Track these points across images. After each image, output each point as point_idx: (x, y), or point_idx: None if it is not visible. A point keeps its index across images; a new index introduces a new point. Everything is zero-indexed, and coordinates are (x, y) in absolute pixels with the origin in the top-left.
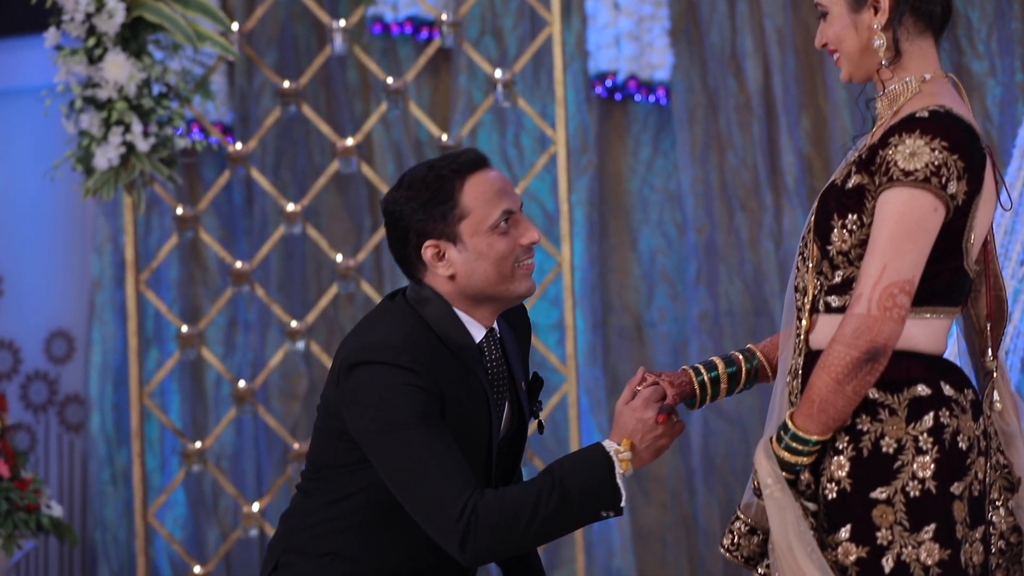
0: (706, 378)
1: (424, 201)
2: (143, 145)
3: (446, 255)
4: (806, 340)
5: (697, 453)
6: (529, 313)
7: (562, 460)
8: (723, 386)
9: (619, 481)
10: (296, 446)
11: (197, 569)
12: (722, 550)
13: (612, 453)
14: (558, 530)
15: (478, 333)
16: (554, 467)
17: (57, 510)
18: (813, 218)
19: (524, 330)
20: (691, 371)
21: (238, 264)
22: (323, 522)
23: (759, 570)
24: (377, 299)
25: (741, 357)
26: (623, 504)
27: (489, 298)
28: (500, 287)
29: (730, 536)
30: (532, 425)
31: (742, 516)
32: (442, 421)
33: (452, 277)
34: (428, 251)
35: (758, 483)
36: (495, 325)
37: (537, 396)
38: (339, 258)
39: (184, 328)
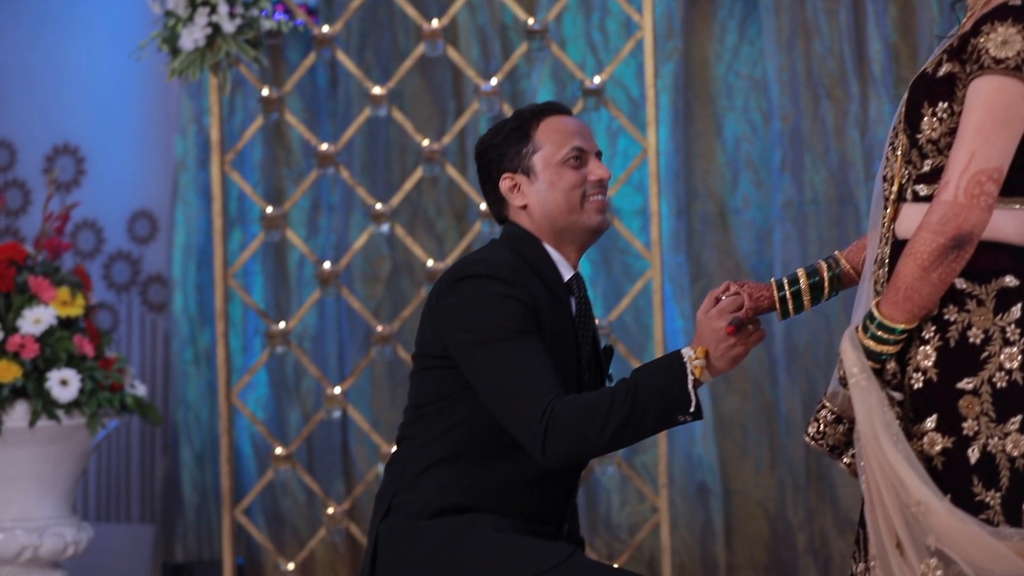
0: (787, 293)
1: (504, 139)
2: (229, 26)
3: (520, 187)
4: (892, 229)
5: (779, 341)
6: (614, 199)
7: (642, 367)
8: (806, 298)
9: (690, 387)
10: (379, 328)
11: (279, 450)
12: (807, 439)
13: (686, 360)
14: (635, 432)
15: (566, 272)
16: (634, 373)
17: (141, 389)
18: (903, 107)
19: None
20: (775, 285)
21: (323, 146)
22: (429, 457)
23: (844, 459)
24: (461, 182)
25: (824, 266)
26: (692, 409)
27: (564, 230)
28: (571, 217)
29: (815, 424)
30: None
31: (828, 405)
32: (538, 334)
33: (526, 207)
34: (505, 183)
35: (844, 372)
36: (579, 271)
37: (608, 364)
38: (425, 142)
39: (269, 209)
